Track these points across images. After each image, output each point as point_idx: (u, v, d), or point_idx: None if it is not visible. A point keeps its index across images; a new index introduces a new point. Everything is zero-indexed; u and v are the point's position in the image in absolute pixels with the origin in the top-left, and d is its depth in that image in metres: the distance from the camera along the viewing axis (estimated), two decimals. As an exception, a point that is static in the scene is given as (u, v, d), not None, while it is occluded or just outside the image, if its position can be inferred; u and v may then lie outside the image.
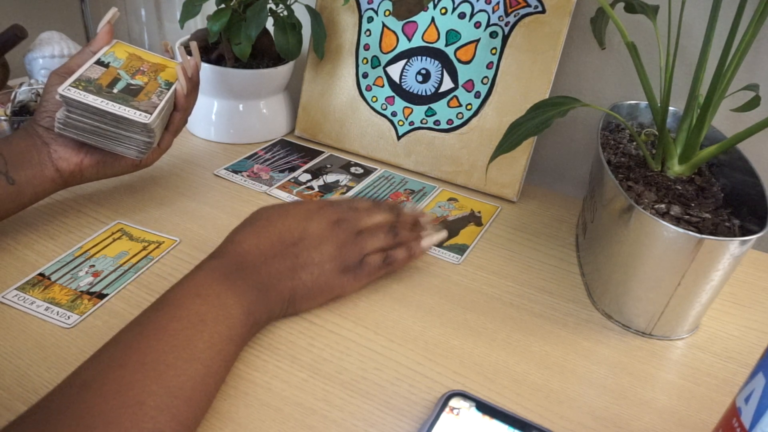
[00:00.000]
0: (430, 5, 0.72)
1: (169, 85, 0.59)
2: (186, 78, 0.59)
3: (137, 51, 0.61)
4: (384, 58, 0.76)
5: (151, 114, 0.54)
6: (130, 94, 0.55)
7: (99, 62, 0.57)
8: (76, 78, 0.54)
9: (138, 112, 0.54)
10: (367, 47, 0.77)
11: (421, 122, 0.75)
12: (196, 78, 0.62)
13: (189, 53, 0.67)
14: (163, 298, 0.42)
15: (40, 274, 0.52)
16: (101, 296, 0.50)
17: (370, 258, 0.51)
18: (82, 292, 0.50)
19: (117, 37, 0.62)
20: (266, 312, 0.46)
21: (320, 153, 0.79)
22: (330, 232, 0.50)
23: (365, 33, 0.76)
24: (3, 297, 0.49)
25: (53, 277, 0.52)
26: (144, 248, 0.57)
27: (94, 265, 0.54)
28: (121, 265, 0.54)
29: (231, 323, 0.42)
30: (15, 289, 0.50)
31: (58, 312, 0.48)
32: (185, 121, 0.62)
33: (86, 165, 0.56)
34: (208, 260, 0.46)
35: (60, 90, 0.52)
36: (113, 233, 0.58)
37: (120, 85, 0.56)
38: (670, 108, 0.60)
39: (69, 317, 0.48)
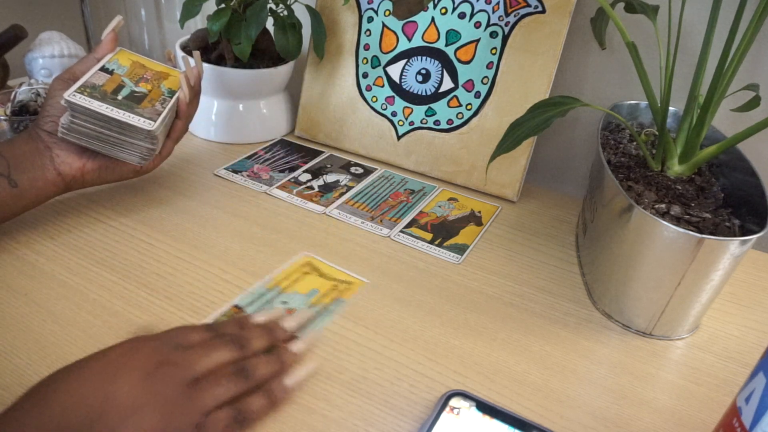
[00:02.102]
0: (430, 5, 0.72)
1: (171, 93, 0.60)
2: (189, 86, 0.60)
3: (140, 59, 0.62)
4: (384, 58, 0.76)
5: (155, 121, 0.55)
6: (134, 101, 0.56)
7: (103, 69, 0.58)
8: (81, 84, 0.55)
9: (142, 119, 0.55)
10: (367, 47, 0.77)
11: (421, 122, 0.75)
12: (198, 86, 0.62)
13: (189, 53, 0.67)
14: None
15: (236, 306, 0.50)
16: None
17: (214, 418, 0.35)
18: None
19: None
20: None
21: (320, 153, 0.79)
22: (147, 392, 0.34)
23: (365, 33, 0.76)
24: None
25: (248, 311, 0.50)
26: (334, 287, 0.54)
27: (286, 302, 0.51)
28: (313, 305, 0.51)
29: None
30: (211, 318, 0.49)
31: None
32: (186, 129, 0.63)
33: (88, 170, 0.56)
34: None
35: (65, 95, 0.52)
36: (302, 266, 0.56)
37: (124, 92, 0.56)
38: (670, 108, 0.60)
39: None
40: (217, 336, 0.40)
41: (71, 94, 0.53)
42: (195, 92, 0.62)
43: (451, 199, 0.71)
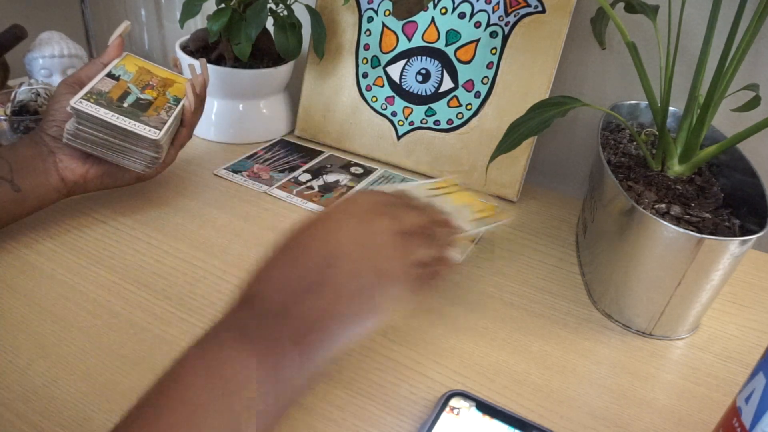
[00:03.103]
0: (430, 5, 0.72)
1: (177, 100, 0.60)
2: (194, 94, 0.60)
3: (147, 64, 0.62)
4: (384, 58, 0.76)
5: (160, 130, 0.55)
6: (139, 109, 0.56)
7: (110, 75, 0.58)
8: (87, 90, 0.55)
9: (147, 128, 0.55)
10: (367, 47, 0.77)
11: (421, 122, 0.75)
12: (204, 94, 0.62)
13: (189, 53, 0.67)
14: (170, 371, 0.33)
15: None
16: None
17: (416, 271, 0.41)
18: None
19: None
20: (304, 368, 0.36)
21: (320, 153, 0.79)
22: (374, 238, 0.39)
23: (365, 33, 0.76)
24: None
25: None
26: (482, 210, 0.57)
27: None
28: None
29: (245, 409, 0.32)
30: None
31: None
32: (190, 136, 0.63)
33: (91, 176, 0.56)
34: (230, 313, 0.37)
35: (72, 103, 0.52)
36: (449, 185, 0.58)
37: (130, 99, 0.57)
38: (670, 108, 0.60)
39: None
40: (411, 205, 0.44)
41: (78, 101, 0.53)
42: (200, 100, 0.62)
43: (451, 199, 0.71)
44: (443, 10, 0.71)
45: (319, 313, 0.37)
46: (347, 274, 0.38)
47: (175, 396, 0.32)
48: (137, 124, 0.55)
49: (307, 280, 0.37)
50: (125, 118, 0.54)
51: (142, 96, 0.58)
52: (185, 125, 0.61)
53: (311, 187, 0.71)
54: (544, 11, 0.67)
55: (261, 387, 0.33)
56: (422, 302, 0.45)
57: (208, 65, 0.74)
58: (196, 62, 0.63)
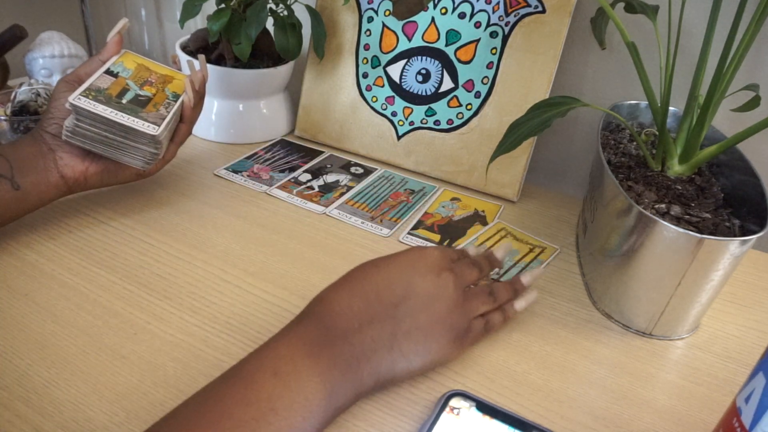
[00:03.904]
0: (430, 5, 0.72)
1: (176, 96, 0.60)
2: (193, 91, 0.60)
3: (145, 61, 0.62)
4: (384, 58, 0.76)
5: (159, 126, 0.55)
6: (138, 105, 0.56)
7: (108, 72, 0.58)
8: (86, 87, 0.54)
9: (146, 124, 0.55)
10: (367, 47, 0.77)
11: (421, 122, 0.75)
12: (203, 90, 0.62)
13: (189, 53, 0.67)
14: (236, 369, 0.37)
15: None
16: None
17: (476, 323, 0.45)
18: (493, 280, 0.56)
19: None
20: (353, 393, 0.39)
21: (320, 153, 0.79)
22: (437, 288, 0.43)
23: (365, 33, 0.76)
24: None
25: None
26: (531, 250, 0.62)
27: None
28: (517, 262, 0.60)
29: (307, 413, 0.36)
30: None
31: None
32: (190, 132, 0.63)
33: (91, 173, 0.56)
34: (294, 324, 0.40)
35: (70, 99, 0.52)
36: (498, 231, 0.65)
37: (129, 96, 0.56)
38: (670, 108, 0.60)
39: None
40: (473, 262, 0.48)
41: (76, 98, 0.53)
42: (200, 96, 0.62)
43: (453, 199, 0.71)
44: (443, 10, 0.71)
45: (376, 344, 0.40)
46: (411, 316, 0.41)
47: (242, 395, 0.35)
48: (136, 119, 0.54)
49: (371, 313, 0.40)
50: (124, 114, 0.54)
51: (140, 92, 0.57)
52: (185, 121, 0.61)
53: (311, 187, 0.71)
54: (544, 11, 0.67)
55: (317, 405, 0.36)
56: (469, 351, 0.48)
57: (208, 65, 0.74)
58: (194, 60, 0.63)
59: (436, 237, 0.63)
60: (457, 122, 0.73)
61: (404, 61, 0.75)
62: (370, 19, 0.76)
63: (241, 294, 0.53)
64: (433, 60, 0.73)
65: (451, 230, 0.65)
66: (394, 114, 0.76)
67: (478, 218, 0.67)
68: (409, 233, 0.63)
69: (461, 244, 0.62)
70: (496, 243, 0.62)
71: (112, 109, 0.54)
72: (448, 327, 0.43)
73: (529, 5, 0.67)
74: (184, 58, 0.75)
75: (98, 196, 0.64)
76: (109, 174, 0.57)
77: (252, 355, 0.38)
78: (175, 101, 0.59)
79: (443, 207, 0.69)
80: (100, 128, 0.54)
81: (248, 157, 0.76)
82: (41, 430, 0.39)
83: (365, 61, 0.77)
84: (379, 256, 0.44)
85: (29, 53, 0.82)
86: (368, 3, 0.76)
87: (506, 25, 0.69)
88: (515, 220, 0.68)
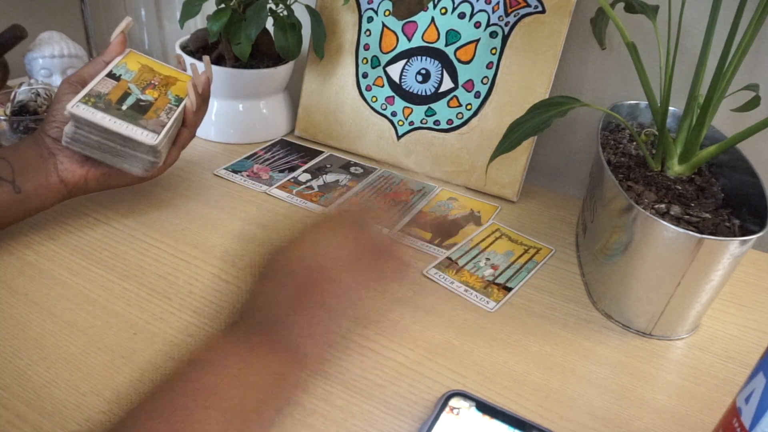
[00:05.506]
0: (430, 5, 0.72)
1: (179, 101, 0.58)
2: (196, 94, 0.59)
3: (149, 62, 0.61)
4: (384, 58, 0.76)
5: (158, 134, 0.54)
6: (138, 111, 0.55)
7: (110, 75, 0.57)
8: (85, 93, 0.54)
9: (145, 133, 0.54)
10: (367, 47, 0.77)
11: (420, 122, 0.75)
12: (207, 93, 0.61)
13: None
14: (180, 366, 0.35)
15: (448, 258, 0.59)
16: (507, 288, 0.56)
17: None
18: (489, 281, 0.57)
19: None
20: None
21: (320, 153, 0.79)
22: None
23: (365, 33, 0.76)
24: (426, 272, 0.57)
25: (460, 263, 0.59)
26: (525, 251, 0.62)
27: (489, 258, 0.60)
28: (512, 263, 0.60)
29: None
30: (434, 267, 0.58)
31: (476, 295, 0.55)
32: (193, 136, 0.62)
33: (91, 178, 0.56)
34: (230, 322, 0.40)
35: (69, 107, 0.52)
36: (493, 231, 0.65)
37: (129, 101, 0.55)
38: (670, 108, 0.60)
39: (488, 302, 0.54)
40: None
41: (74, 105, 0.52)
42: (203, 98, 0.61)
43: (450, 198, 0.71)
44: (443, 10, 0.71)
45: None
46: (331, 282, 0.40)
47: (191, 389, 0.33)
48: (135, 128, 0.54)
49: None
50: (123, 122, 0.53)
51: (142, 97, 0.57)
52: (187, 125, 0.60)
53: (311, 187, 0.71)
54: (544, 11, 0.67)
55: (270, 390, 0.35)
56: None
57: (208, 65, 0.74)
58: (198, 62, 0.62)
59: (428, 235, 0.63)
60: (456, 122, 0.73)
61: (404, 61, 0.75)
62: (370, 19, 0.76)
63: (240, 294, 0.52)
64: (432, 60, 0.73)
65: (443, 229, 0.65)
66: (393, 114, 0.76)
67: (473, 218, 0.67)
68: (400, 230, 0.63)
69: (453, 243, 0.62)
70: (490, 244, 0.62)
71: (111, 117, 0.53)
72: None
73: (528, 5, 0.67)
74: (188, 60, 0.75)
75: (98, 196, 0.64)
76: (109, 178, 0.57)
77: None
78: (177, 106, 0.58)
79: (439, 206, 0.69)
80: (99, 136, 0.53)
81: (248, 157, 0.76)
82: (41, 430, 0.39)
83: (365, 61, 0.77)
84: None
85: (29, 53, 0.82)
86: (368, 3, 0.76)
87: (506, 25, 0.69)
88: (515, 220, 0.68)
